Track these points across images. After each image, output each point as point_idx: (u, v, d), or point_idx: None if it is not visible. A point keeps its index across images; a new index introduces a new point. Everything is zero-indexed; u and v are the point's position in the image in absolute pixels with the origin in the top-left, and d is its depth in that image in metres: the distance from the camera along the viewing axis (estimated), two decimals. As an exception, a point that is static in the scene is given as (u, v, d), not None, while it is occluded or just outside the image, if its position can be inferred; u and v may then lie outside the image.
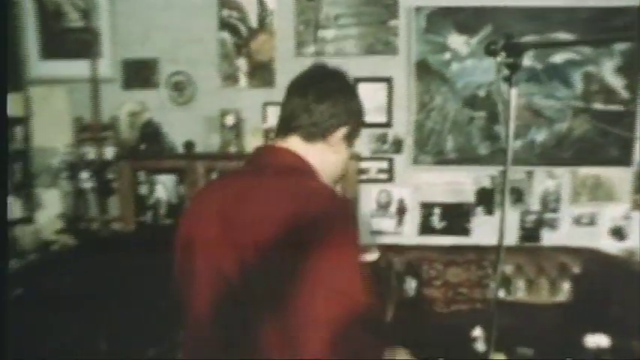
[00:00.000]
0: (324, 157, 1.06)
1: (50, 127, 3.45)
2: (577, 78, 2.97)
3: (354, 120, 1.10)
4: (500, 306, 2.91)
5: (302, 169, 1.01)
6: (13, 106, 3.34)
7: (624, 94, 2.96)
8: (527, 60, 2.98)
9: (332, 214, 0.90)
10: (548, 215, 3.14)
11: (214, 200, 0.98)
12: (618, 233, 3.11)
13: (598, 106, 2.98)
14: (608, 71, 2.94)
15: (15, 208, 3.43)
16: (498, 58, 1.27)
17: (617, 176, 3.04)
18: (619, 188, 3.06)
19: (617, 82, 2.95)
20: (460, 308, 2.87)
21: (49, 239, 3.41)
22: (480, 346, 1.97)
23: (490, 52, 1.26)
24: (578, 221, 3.13)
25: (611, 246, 3.09)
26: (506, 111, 1.55)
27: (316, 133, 1.04)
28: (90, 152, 3.36)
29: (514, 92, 1.38)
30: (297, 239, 0.84)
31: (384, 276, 3.04)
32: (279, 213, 0.87)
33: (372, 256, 2.99)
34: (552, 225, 3.14)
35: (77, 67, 3.27)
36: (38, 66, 3.37)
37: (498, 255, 1.42)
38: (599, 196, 3.08)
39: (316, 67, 1.15)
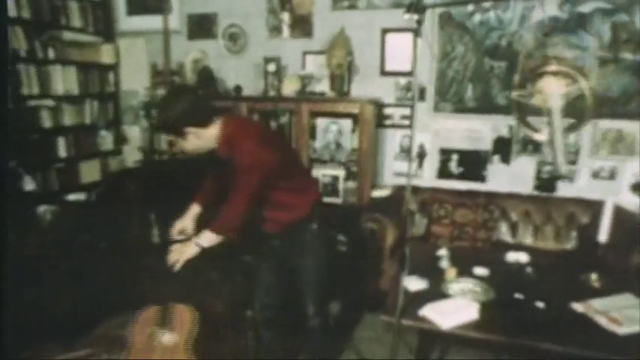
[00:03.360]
0: None
1: (133, 72, 4.19)
2: (605, 27, 2.93)
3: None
4: (503, 246, 3.12)
5: None
6: (106, 54, 4.11)
7: (657, 44, 2.86)
8: (554, 9, 3.00)
9: None
10: (566, 167, 3.18)
11: None
12: (639, 189, 3.07)
13: (627, 56, 2.93)
14: (641, 19, 2.86)
15: (107, 141, 4.26)
16: (406, 16, 1.57)
17: (641, 130, 2.99)
18: (643, 143, 3.00)
19: (649, 31, 2.86)
20: (462, 245, 3.10)
21: (131, 167, 4.23)
22: (444, 264, 2.25)
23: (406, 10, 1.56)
24: (597, 175, 3.14)
25: (631, 201, 3.07)
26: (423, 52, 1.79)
27: None
28: (162, 94, 4.04)
29: (420, 41, 1.65)
30: None
31: (399, 214, 3.35)
32: None
33: (383, 192, 3.33)
34: (569, 177, 3.19)
35: (153, 22, 3.92)
36: (125, 20, 4.09)
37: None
38: (620, 150, 3.05)
39: None
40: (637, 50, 2.90)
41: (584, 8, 2.94)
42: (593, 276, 2.08)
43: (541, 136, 1.30)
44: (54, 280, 2.64)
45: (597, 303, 1.84)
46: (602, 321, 1.71)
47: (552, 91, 1.23)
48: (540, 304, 1.85)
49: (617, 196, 3.08)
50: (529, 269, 2.02)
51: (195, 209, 2.13)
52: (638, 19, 2.88)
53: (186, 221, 2.11)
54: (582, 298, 1.90)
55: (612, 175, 3.12)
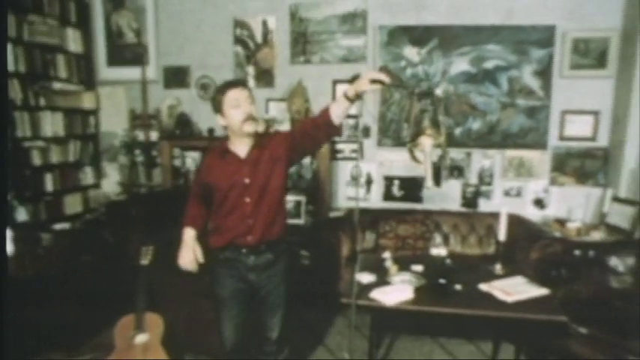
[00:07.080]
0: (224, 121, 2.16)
1: (113, 116, 4.67)
2: (503, 80, 3.79)
3: (217, 97, 2.16)
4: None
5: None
6: (88, 101, 4.58)
7: (540, 92, 3.75)
8: (466, 65, 3.84)
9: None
10: (484, 187, 3.97)
11: None
12: (539, 203, 3.89)
13: (520, 101, 3.79)
14: (527, 74, 3.75)
15: (88, 176, 4.66)
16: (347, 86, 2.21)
17: (536, 157, 3.83)
18: (538, 167, 3.84)
19: (534, 83, 3.75)
20: (405, 253, 3.76)
21: (111, 199, 4.63)
22: (388, 263, 2.87)
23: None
24: (507, 193, 3.94)
25: (534, 214, 3.88)
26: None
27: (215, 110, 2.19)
28: (140, 135, 4.54)
29: (363, 105, 2.26)
30: None
31: (352, 230, 3.99)
32: None
33: (338, 213, 3.96)
34: (487, 195, 3.97)
35: (132, 72, 4.45)
36: (106, 71, 4.60)
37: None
38: (523, 173, 3.88)
39: None
40: (527, 97, 3.78)
41: (488, 65, 3.80)
42: (498, 266, 2.78)
43: (421, 166, 2.04)
44: (59, 295, 3.03)
45: (497, 283, 2.52)
46: (498, 294, 2.39)
47: (426, 143, 2.00)
48: (458, 286, 2.50)
49: (523, 210, 3.90)
50: (448, 260, 2.68)
51: (191, 233, 2.20)
52: (524, 74, 3.77)
53: (195, 248, 2.17)
54: (488, 281, 2.58)
55: (519, 193, 3.93)
